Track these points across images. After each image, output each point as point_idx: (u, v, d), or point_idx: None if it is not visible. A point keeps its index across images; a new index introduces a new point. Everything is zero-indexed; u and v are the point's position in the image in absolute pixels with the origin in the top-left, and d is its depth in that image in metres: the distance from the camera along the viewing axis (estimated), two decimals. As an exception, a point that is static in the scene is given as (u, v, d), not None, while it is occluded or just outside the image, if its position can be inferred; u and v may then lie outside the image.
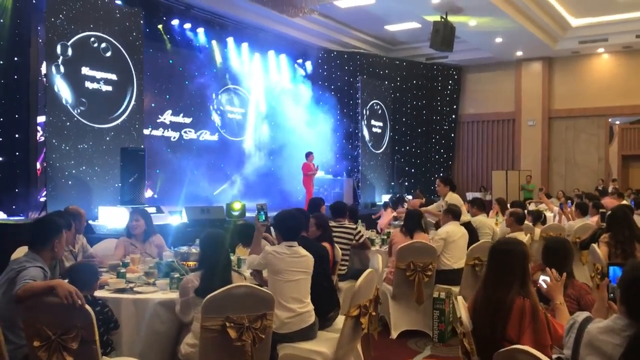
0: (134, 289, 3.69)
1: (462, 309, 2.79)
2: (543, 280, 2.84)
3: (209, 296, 3.01)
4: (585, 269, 6.59)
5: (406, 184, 17.02)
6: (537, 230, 7.25)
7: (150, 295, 3.61)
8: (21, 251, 4.26)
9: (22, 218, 9.10)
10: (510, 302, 2.64)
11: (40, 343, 2.75)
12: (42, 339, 2.75)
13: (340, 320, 4.11)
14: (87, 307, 2.78)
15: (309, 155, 12.97)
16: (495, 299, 2.69)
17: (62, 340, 2.73)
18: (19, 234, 7.42)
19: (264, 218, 4.08)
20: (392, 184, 16.91)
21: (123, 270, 3.97)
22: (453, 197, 6.85)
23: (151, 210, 8.56)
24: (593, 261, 5.10)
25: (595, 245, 5.03)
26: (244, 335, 3.05)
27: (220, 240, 3.50)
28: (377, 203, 15.40)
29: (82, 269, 3.32)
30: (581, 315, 2.17)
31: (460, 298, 2.93)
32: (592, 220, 7.43)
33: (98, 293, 3.46)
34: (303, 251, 3.78)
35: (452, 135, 18.59)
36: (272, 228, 4.88)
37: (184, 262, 4.20)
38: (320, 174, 14.00)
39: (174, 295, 3.62)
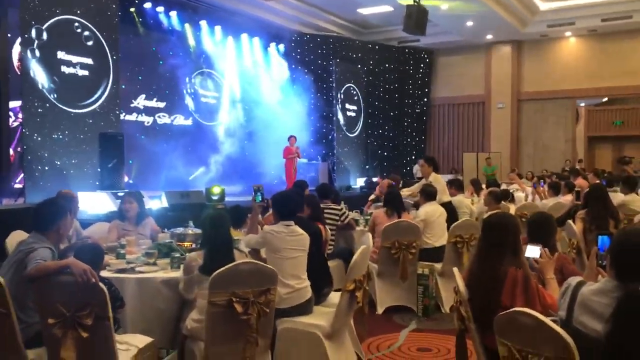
0: (136, 269, 3.78)
1: (458, 279, 2.98)
2: (533, 257, 3.01)
3: (216, 272, 3.12)
4: (559, 245, 6.88)
5: (380, 166, 17.25)
6: (513, 208, 7.51)
7: (152, 275, 3.71)
8: (16, 235, 4.31)
9: (-3, 204, 8.99)
10: (504, 272, 2.83)
11: (54, 320, 2.83)
12: (57, 316, 2.83)
13: (333, 295, 4.28)
14: (100, 284, 2.86)
15: (290, 138, 13.02)
16: (489, 269, 2.87)
17: (76, 317, 2.82)
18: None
19: (260, 199, 4.19)
20: (367, 167, 17.12)
21: (123, 251, 4.04)
22: (437, 178, 7.03)
23: (131, 194, 8.56)
24: (568, 236, 5.36)
25: (570, 222, 5.29)
26: (250, 310, 3.18)
27: (221, 220, 3.60)
28: (352, 186, 15.62)
29: (89, 249, 3.39)
30: (574, 280, 2.36)
31: (455, 269, 3.11)
32: (565, 198, 7.75)
33: (102, 273, 3.53)
34: (299, 230, 3.92)
35: (424, 118, 18.87)
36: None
37: (180, 243, 4.29)
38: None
39: (175, 274, 3.73)
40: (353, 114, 16.93)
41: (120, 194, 8.61)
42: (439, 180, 6.92)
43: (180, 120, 13.55)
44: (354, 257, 3.76)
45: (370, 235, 4.46)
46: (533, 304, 2.76)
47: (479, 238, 3.09)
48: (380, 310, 5.58)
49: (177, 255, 3.85)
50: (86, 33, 9.26)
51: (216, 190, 9.66)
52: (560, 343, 2.10)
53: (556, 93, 17.39)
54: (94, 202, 8.41)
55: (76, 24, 9.11)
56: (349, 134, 16.73)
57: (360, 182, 15.60)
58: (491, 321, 2.50)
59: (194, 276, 3.40)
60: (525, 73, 17.89)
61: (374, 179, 14.12)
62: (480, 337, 2.85)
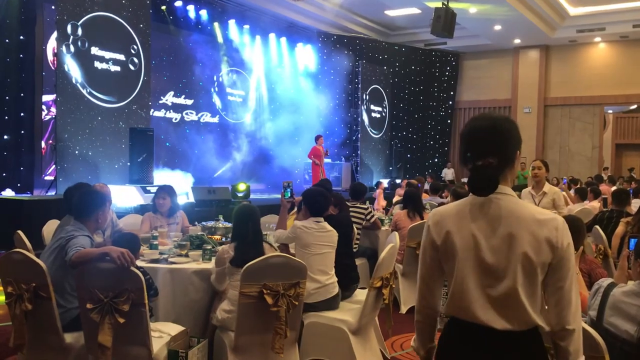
0: (168, 259, 3.88)
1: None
2: None
3: (248, 264, 3.20)
4: (587, 251, 6.84)
5: (403, 168, 17.25)
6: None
7: (184, 266, 3.80)
8: (52, 224, 4.45)
9: (28, 195, 9.21)
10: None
11: (93, 305, 2.93)
12: (95, 301, 2.93)
13: (358, 292, 4.34)
14: (137, 271, 2.96)
15: (318, 138, 13.09)
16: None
17: (113, 302, 2.92)
18: (27, 209, 7.59)
19: (289, 195, 4.26)
20: (390, 168, 17.13)
21: (155, 242, 4.15)
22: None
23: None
24: (595, 242, 5.34)
25: (597, 227, 5.27)
26: (280, 302, 3.25)
27: (251, 213, 3.69)
28: (375, 188, 15.64)
29: (125, 238, 3.50)
30: (606, 281, 2.39)
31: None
32: (590, 204, 7.70)
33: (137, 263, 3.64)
34: (328, 226, 3.99)
35: (449, 121, 18.81)
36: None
37: (211, 236, 4.39)
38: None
39: (207, 265, 3.82)
40: (378, 115, 16.96)
41: (149, 188, 8.81)
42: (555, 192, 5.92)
43: (207, 117, 13.72)
44: (382, 255, 3.81)
45: (397, 234, 4.49)
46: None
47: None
48: (404, 309, 5.62)
49: (209, 247, 3.94)
50: (119, 30, 9.45)
51: (242, 187, 9.79)
52: (590, 342, 2.12)
53: (584, 99, 17.19)
54: (123, 196, 8.60)
55: (110, 21, 9.30)
56: (373, 135, 16.75)
57: (384, 183, 15.59)
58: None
59: (225, 268, 3.49)
60: (553, 78, 17.72)
61: (397, 181, 14.13)
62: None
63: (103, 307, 2.93)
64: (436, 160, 18.73)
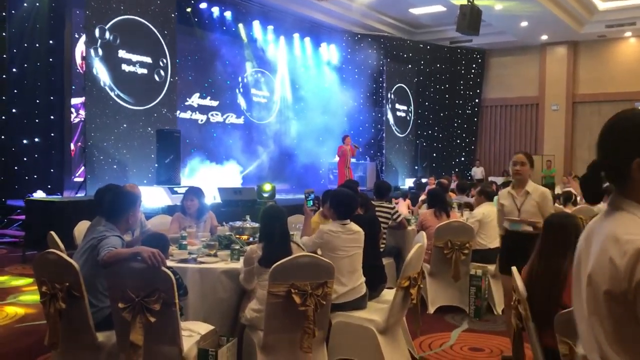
0: (197, 259, 3.92)
1: (517, 278, 2.98)
2: None
3: (276, 264, 3.22)
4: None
5: (429, 167, 17.14)
6: (568, 212, 7.36)
7: (213, 265, 3.84)
8: (83, 225, 4.53)
9: (59, 197, 9.40)
10: (565, 271, 2.81)
11: (124, 305, 2.98)
12: (126, 301, 2.98)
13: (386, 292, 4.32)
14: (167, 271, 3.00)
15: (345, 138, 13.10)
16: (551, 268, 2.87)
17: (145, 302, 2.96)
18: (58, 211, 7.75)
19: (312, 204, 4.25)
20: (416, 167, 17.04)
21: (184, 242, 4.20)
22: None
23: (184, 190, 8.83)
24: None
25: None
26: (308, 301, 3.26)
27: (278, 214, 3.70)
28: (401, 187, 15.56)
29: (155, 238, 3.55)
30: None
31: (514, 268, 3.11)
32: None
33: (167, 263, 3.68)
34: (355, 227, 3.97)
35: (475, 119, 18.62)
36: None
37: (238, 236, 4.42)
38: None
39: (235, 265, 3.86)
40: (403, 114, 16.88)
41: (177, 189, 8.91)
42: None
43: (232, 119, 13.82)
44: (410, 255, 3.79)
45: (424, 234, 4.47)
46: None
47: (539, 238, 3.07)
48: (431, 309, 5.59)
49: (237, 247, 3.97)
50: (146, 32, 9.58)
51: (267, 187, 9.83)
52: None
53: (613, 95, 16.85)
54: (151, 197, 8.71)
55: (137, 24, 9.44)
56: (398, 134, 16.68)
57: (409, 182, 15.54)
58: (550, 320, 2.50)
59: (253, 268, 3.51)
60: (581, 74, 17.42)
61: (423, 180, 14.05)
62: (538, 336, 2.84)
63: (134, 306, 2.97)
64: (463, 159, 18.56)
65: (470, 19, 13.15)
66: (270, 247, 3.50)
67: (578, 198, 9.38)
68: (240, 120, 14.11)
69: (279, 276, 3.24)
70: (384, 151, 16.04)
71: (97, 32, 8.90)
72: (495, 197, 7.43)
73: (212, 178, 12.00)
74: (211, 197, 9.24)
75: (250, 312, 3.51)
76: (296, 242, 3.77)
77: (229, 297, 3.82)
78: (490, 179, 15.53)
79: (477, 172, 17.45)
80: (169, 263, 3.80)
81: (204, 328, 3.38)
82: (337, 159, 13.16)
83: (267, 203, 8.49)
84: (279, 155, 14.48)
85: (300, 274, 3.28)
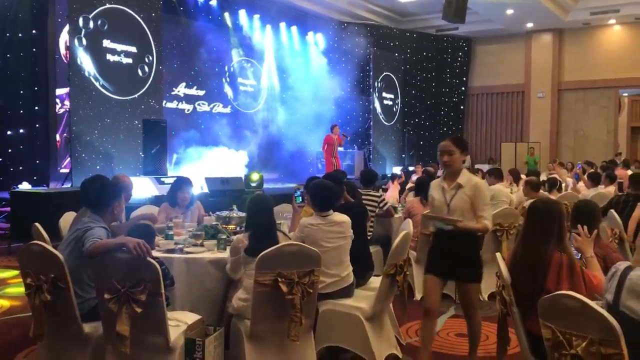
0: (184, 249, 3.91)
1: (501, 264, 3.01)
2: (573, 237, 3.05)
3: (262, 253, 3.22)
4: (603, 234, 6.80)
5: (416, 155, 17.20)
6: (553, 198, 7.43)
7: (200, 255, 3.84)
8: (69, 216, 4.50)
9: (44, 188, 9.33)
10: (549, 257, 2.85)
11: (110, 296, 2.98)
12: (112, 292, 2.97)
13: (373, 280, 4.35)
14: (153, 261, 2.99)
15: (333, 127, 13.09)
16: (534, 254, 2.90)
17: (131, 293, 2.95)
18: (43, 202, 7.70)
19: (301, 199, 4.23)
20: (403, 155, 17.09)
21: (171, 232, 4.19)
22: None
23: (173, 180, 8.79)
24: (610, 226, 5.30)
25: (613, 211, 5.23)
26: (294, 290, 3.27)
27: (264, 203, 3.70)
28: (388, 175, 15.61)
29: (141, 228, 3.54)
30: (623, 264, 2.38)
31: (498, 254, 3.14)
32: (607, 189, 7.63)
33: (153, 253, 3.68)
34: (339, 217, 3.91)
35: (462, 107, 18.69)
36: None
37: (225, 226, 4.42)
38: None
39: (222, 255, 3.86)
40: (390, 103, 16.89)
41: (164, 179, 8.87)
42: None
43: (219, 108, 13.75)
44: (395, 242, 3.81)
45: (410, 221, 4.49)
46: (579, 288, 2.77)
47: (523, 223, 3.10)
48: (418, 296, 5.62)
49: (224, 236, 3.97)
50: (131, 22, 9.48)
51: (255, 177, 9.84)
52: (605, 326, 2.12)
53: (598, 82, 16.98)
54: (137, 187, 8.65)
55: (121, 13, 9.33)
56: (385, 123, 16.70)
57: (396, 170, 15.56)
58: (534, 305, 2.54)
59: (240, 257, 3.51)
60: (566, 62, 17.52)
61: (410, 168, 14.09)
62: (522, 321, 2.88)
63: (120, 297, 2.96)
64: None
65: (456, 6, 13.12)
66: (257, 236, 3.50)
67: (563, 185, 9.48)
68: (228, 110, 14.04)
69: (265, 265, 3.25)
70: (371, 140, 16.06)
71: (81, 22, 8.79)
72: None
73: (202, 167, 11.98)
74: (198, 187, 9.23)
75: (237, 301, 3.52)
76: (283, 232, 3.77)
77: (216, 286, 3.82)
78: (477, 166, 15.61)
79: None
80: (155, 253, 3.79)
81: (191, 318, 3.38)
82: (324, 148, 13.15)
83: (255, 192, 8.55)
84: (267, 144, 14.44)
85: (287, 262, 3.29)
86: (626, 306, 2.26)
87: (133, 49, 9.54)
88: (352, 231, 3.97)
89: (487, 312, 5.12)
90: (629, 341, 2.14)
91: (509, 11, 15.43)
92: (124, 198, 4.68)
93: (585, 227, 3.09)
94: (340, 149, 15.21)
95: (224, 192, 9.01)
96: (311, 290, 3.35)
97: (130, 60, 9.52)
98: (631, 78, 16.62)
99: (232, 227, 4.44)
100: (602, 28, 17.04)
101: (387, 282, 3.83)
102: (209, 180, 9.18)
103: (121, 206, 3.52)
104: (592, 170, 10.27)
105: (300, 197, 4.27)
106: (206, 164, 12.23)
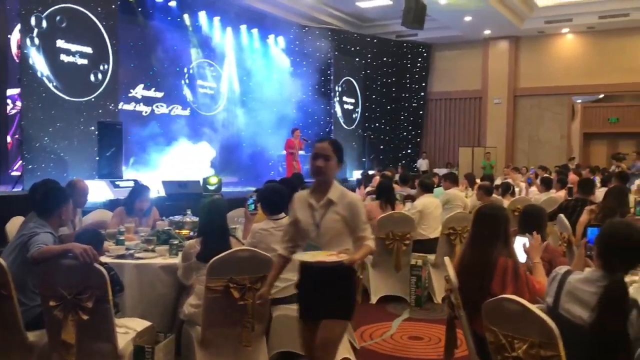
0: (135, 254, 3.85)
1: (449, 267, 3.06)
2: (522, 242, 3.13)
3: (214, 259, 3.20)
4: (550, 239, 6.98)
5: (376, 159, 17.35)
6: (506, 202, 7.60)
7: (151, 261, 3.79)
8: (16, 221, 4.38)
9: (-6, 191, 9.03)
10: (495, 261, 2.92)
11: (56, 303, 2.91)
12: (58, 299, 2.91)
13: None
14: (100, 267, 2.94)
15: (294, 131, 13.07)
16: (481, 257, 2.96)
17: (77, 299, 2.89)
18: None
19: (253, 207, 4.19)
20: (363, 159, 17.20)
21: (122, 237, 4.11)
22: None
23: (129, 184, 8.63)
24: (559, 230, 5.46)
25: (562, 216, 5.39)
26: (246, 295, 3.27)
27: (217, 208, 3.67)
28: (349, 179, 15.69)
29: (88, 233, 3.47)
30: (562, 269, 2.45)
31: (447, 258, 3.20)
32: (558, 194, 7.85)
33: (101, 259, 3.61)
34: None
35: (421, 112, 18.95)
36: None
37: (178, 231, 4.37)
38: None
39: (173, 260, 3.81)
40: (350, 107, 17.00)
41: (119, 182, 8.71)
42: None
43: (178, 110, 13.57)
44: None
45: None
46: (522, 292, 2.85)
47: (471, 228, 3.17)
48: (374, 299, 5.68)
49: (176, 242, 3.92)
50: (86, 22, 9.28)
51: (213, 180, 9.75)
52: (544, 328, 2.18)
53: (552, 89, 17.47)
54: (92, 191, 8.46)
55: (76, 13, 9.12)
56: (346, 127, 16.80)
57: (356, 174, 15.68)
58: (480, 308, 2.59)
59: (191, 263, 3.48)
60: (522, 69, 17.97)
61: (370, 172, 14.20)
62: (469, 324, 2.93)
63: (66, 304, 2.90)
64: (409, 151, 18.88)
65: (415, 13, 13.33)
66: (209, 242, 3.47)
67: (516, 189, 9.70)
68: (187, 112, 13.87)
69: (216, 271, 3.23)
70: (332, 143, 16.11)
71: (33, 20, 8.55)
72: (436, 189, 7.63)
73: (160, 170, 11.81)
74: (155, 191, 9.09)
75: (189, 307, 3.48)
76: (236, 237, 3.76)
77: (168, 292, 3.78)
78: (435, 170, 15.86)
79: (423, 164, 17.80)
80: (106, 259, 3.73)
81: (141, 324, 3.34)
82: (285, 152, 13.14)
83: (214, 196, 8.47)
84: (227, 147, 14.32)
85: (239, 268, 3.28)
86: (565, 309, 2.33)
87: (88, 50, 9.33)
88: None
89: (440, 314, 5.20)
90: (567, 343, 2.21)
91: (467, 18, 15.73)
92: (79, 203, 4.62)
93: (539, 236, 3.17)
94: (302, 152, 15.23)
95: (181, 196, 8.88)
96: (263, 296, 3.34)
97: (85, 61, 9.31)
98: (584, 85, 17.16)
99: (185, 232, 4.39)
100: (556, 36, 17.54)
101: (340, 286, 3.84)
102: (166, 184, 9.04)
103: (68, 211, 3.44)
104: (545, 174, 10.54)
105: (253, 205, 4.23)
106: (164, 167, 12.08)
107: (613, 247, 2.28)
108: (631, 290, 2.65)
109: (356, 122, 17.36)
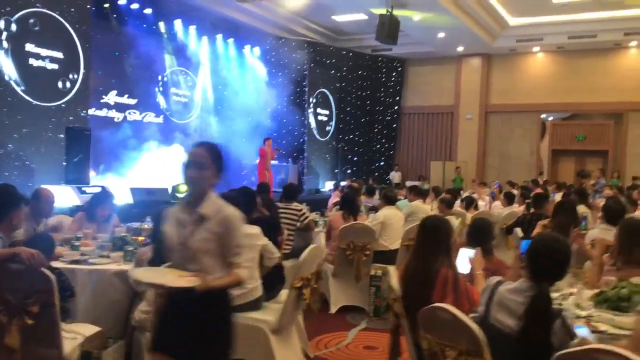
0: (89, 260, 3.86)
1: (392, 277, 3.15)
2: (467, 254, 3.23)
3: (163, 265, 3.23)
4: (511, 252, 7.13)
5: (349, 171, 17.48)
6: (469, 215, 7.75)
7: (105, 267, 3.80)
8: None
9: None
10: (436, 271, 3.01)
11: (0, 307, 2.91)
12: (3, 303, 2.91)
13: (284, 292, 4.40)
14: (47, 272, 2.95)
15: (266, 140, 13.14)
16: (423, 268, 3.05)
17: (23, 304, 2.90)
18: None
19: None
20: (336, 171, 17.31)
21: (77, 243, 4.12)
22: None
23: (96, 190, 8.59)
24: (516, 244, 5.60)
25: (517, 229, 5.53)
26: (195, 302, 3.29)
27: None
28: (321, 189, 15.79)
29: (38, 238, 3.47)
30: (494, 279, 2.55)
31: (392, 268, 3.28)
32: (519, 208, 8.02)
33: (54, 264, 3.61)
34: (246, 229, 3.92)
35: (395, 125, 19.16)
36: None
37: (135, 237, 4.39)
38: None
39: (128, 266, 3.83)
40: (324, 119, 17.12)
41: (86, 188, 8.66)
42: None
43: (151, 117, 13.53)
44: (302, 256, 3.90)
45: (323, 235, 4.60)
46: (461, 301, 2.94)
47: (416, 239, 3.26)
48: (333, 309, 5.74)
49: (130, 248, 3.94)
50: (57, 26, 9.24)
51: (182, 188, 9.73)
52: (472, 336, 2.27)
53: (523, 106, 17.82)
54: (58, 196, 8.40)
55: (46, 17, 9.08)
56: (319, 138, 16.90)
57: (329, 185, 15.79)
58: (420, 317, 2.67)
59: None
60: (494, 85, 18.31)
61: (342, 183, 14.31)
62: (411, 333, 3.01)
63: (11, 308, 2.90)
64: (382, 163, 19.05)
65: (389, 28, 13.55)
66: (161, 249, 3.49)
67: (481, 203, 9.88)
68: (160, 119, 13.84)
69: (167, 277, 3.26)
70: (305, 154, 16.20)
71: (2, 24, 8.50)
72: (402, 202, 7.75)
73: (131, 177, 11.75)
74: (124, 197, 9.06)
75: (139, 313, 3.50)
76: (189, 244, 3.78)
77: (121, 298, 3.79)
78: (408, 183, 16.02)
79: (395, 176, 17.97)
80: (59, 264, 3.73)
81: (90, 330, 3.34)
82: (257, 160, 13.20)
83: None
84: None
85: (189, 274, 3.30)
86: (495, 318, 2.42)
87: (59, 55, 9.29)
88: (263, 242, 4.03)
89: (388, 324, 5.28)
90: (498, 351, 2.30)
91: (440, 35, 15.99)
92: (45, 213, 4.61)
93: (479, 249, 3.28)
94: (275, 162, 15.28)
95: (149, 203, 8.87)
96: (214, 303, 3.38)
97: (55, 66, 9.26)
98: (553, 103, 17.55)
99: (142, 238, 4.41)
100: (527, 55, 17.93)
101: (293, 295, 3.90)
102: (134, 191, 9.04)
103: (20, 216, 3.44)
104: (513, 190, 10.75)
105: None
106: (135, 174, 12.03)
107: (540, 259, 2.39)
108: (570, 301, 2.78)
109: (330, 134, 17.48)
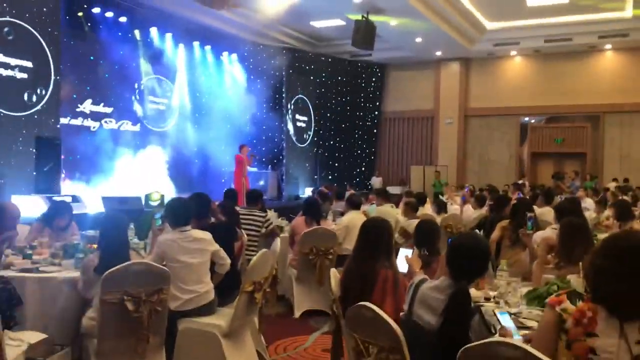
0: (40, 268, 3.87)
1: (333, 278, 3.18)
2: (405, 254, 3.28)
3: (108, 272, 3.25)
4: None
5: (330, 177, 17.53)
6: (439, 219, 7.80)
7: (54, 274, 3.81)
8: None
9: None
10: (377, 272, 3.05)
11: (-60, 315, 2.91)
12: (-58, 311, 2.91)
13: (240, 297, 4.43)
14: (-13, 281, 2.96)
15: (242, 147, 13.16)
16: (364, 268, 3.09)
17: (-38, 312, 2.90)
18: None
19: (160, 222, 4.24)
20: (315, 177, 17.36)
21: (29, 251, 4.12)
22: None
23: (67, 199, 8.57)
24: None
25: (476, 232, 5.59)
26: (141, 308, 3.32)
27: (117, 222, 3.73)
28: (301, 195, 15.82)
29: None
30: (418, 278, 2.60)
31: (333, 269, 3.32)
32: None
33: (3, 273, 3.63)
34: (197, 234, 3.99)
35: (375, 131, 19.25)
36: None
37: (90, 245, 4.39)
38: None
39: (77, 274, 3.83)
40: (303, 125, 17.17)
41: (56, 198, 8.63)
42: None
43: (127, 125, 13.50)
44: (252, 260, 3.93)
45: (279, 240, 4.64)
46: (401, 301, 2.98)
47: (356, 240, 3.30)
48: (297, 314, 5.76)
49: (81, 255, 3.95)
50: (27, 36, 9.22)
51: (155, 196, 9.76)
52: (392, 334, 2.31)
53: (501, 110, 17.99)
54: (27, 206, 8.38)
55: (16, 26, 9.06)
56: (298, 144, 16.95)
57: (308, 191, 15.80)
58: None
59: (90, 276, 3.52)
60: (473, 89, 18.47)
61: (321, 189, 14.35)
62: (350, 334, 3.05)
63: (-51, 317, 2.90)
64: (363, 169, 19.12)
65: (365, 33, 13.65)
66: (107, 255, 3.52)
67: (454, 206, 9.96)
68: (137, 127, 13.81)
69: (111, 284, 3.28)
70: (284, 160, 16.24)
71: (-30, 33, 8.50)
72: (372, 206, 7.79)
73: (107, 186, 11.71)
74: (96, 206, 9.05)
75: (87, 320, 3.52)
76: (137, 251, 3.81)
77: (70, 306, 3.79)
78: (389, 188, 16.07)
79: (376, 182, 18.03)
80: (8, 272, 3.74)
81: (36, 337, 3.35)
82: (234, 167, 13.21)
83: (154, 212, 8.47)
84: (178, 163, 14.29)
85: (134, 281, 3.33)
86: (417, 315, 2.47)
87: (28, 64, 9.26)
88: (214, 248, 4.06)
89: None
90: (420, 347, 2.34)
91: (418, 39, 16.10)
92: (10, 227, 4.59)
93: (416, 249, 3.33)
94: (254, 169, 15.29)
95: (121, 212, 8.84)
96: (160, 309, 3.41)
97: (25, 75, 9.23)
98: (531, 107, 17.73)
99: (95, 246, 4.40)
100: (505, 59, 18.11)
101: (244, 299, 3.93)
102: (105, 200, 9.03)
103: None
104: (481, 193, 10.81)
105: (160, 220, 4.27)
106: (111, 183, 12.00)
107: (459, 257, 2.44)
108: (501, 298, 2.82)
109: (309, 140, 17.53)
